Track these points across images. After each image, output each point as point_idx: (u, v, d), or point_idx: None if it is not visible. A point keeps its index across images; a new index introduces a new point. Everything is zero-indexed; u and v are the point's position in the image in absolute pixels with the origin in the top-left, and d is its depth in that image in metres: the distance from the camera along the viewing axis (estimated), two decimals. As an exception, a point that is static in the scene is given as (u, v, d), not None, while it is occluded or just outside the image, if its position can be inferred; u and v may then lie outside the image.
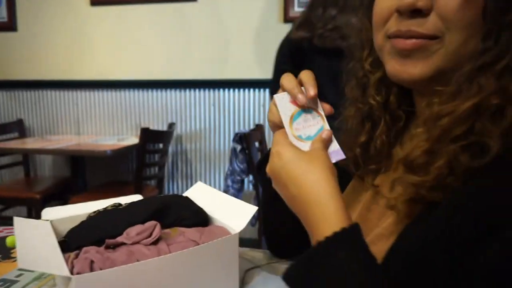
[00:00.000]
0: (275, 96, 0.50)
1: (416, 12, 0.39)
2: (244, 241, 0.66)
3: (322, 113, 0.48)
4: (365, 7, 0.48)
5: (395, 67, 0.43)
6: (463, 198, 0.34)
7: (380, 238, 0.43)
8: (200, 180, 2.59)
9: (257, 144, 1.99)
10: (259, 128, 2.12)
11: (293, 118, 0.47)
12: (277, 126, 0.50)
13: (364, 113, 0.51)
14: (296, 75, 0.51)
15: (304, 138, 0.47)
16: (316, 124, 0.47)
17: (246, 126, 2.49)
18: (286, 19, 2.35)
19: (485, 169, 0.34)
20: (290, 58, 1.39)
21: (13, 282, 0.71)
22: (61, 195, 2.36)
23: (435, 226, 0.35)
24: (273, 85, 1.58)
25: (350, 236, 0.38)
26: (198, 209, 0.69)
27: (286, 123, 0.48)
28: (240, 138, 1.94)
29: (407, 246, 0.38)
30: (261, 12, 2.41)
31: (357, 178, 0.56)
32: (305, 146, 0.47)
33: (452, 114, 0.36)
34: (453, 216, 0.34)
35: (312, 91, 0.47)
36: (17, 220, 0.62)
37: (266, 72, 2.40)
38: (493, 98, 0.35)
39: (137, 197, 0.81)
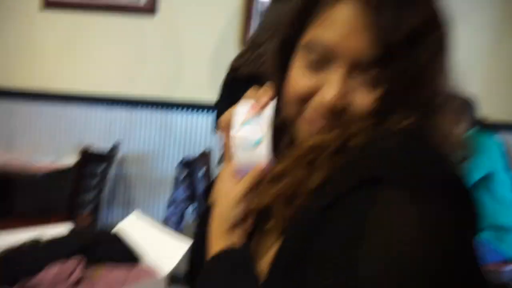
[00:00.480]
0: (239, 104, 0.55)
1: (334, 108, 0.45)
2: (176, 278, 0.63)
3: (267, 124, 0.52)
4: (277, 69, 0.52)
5: (302, 130, 0.49)
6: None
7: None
8: (141, 207, 2.48)
9: (203, 171, 1.96)
10: (206, 154, 2.10)
11: (241, 125, 0.52)
12: (226, 129, 0.54)
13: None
14: (230, 101, 0.55)
15: (245, 144, 0.52)
16: (258, 133, 0.51)
17: (194, 152, 2.45)
18: (245, 42, 2.40)
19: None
20: (227, 85, 1.54)
21: None
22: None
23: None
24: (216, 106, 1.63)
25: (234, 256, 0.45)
26: (127, 248, 0.65)
27: (234, 128, 0.53)
28: (186, 164, 1.91)
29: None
30: (220, 33, 2.44)
31: None
32: (244, 152, 0.52)
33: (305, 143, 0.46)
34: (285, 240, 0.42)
35: (265, 98, 0.52)
36: None
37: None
38: (332, 143, 0.44)
39: (66, 228, 0.76)
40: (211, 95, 2.43)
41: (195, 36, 2.44)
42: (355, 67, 0.43)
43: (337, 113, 0.44)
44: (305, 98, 0.46)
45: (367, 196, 0.37)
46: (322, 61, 0.44)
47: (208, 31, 2.43)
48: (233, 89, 1.49)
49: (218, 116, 1.57)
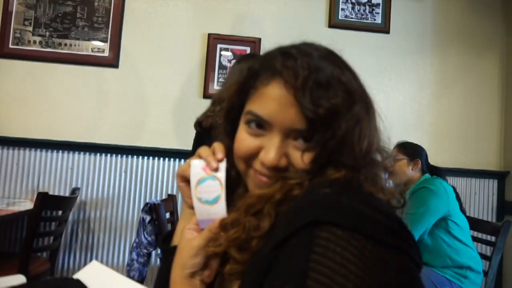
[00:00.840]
0: (192, 160, 0.57)
1: (279, 167, 0.52)
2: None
3: (223, 182, 0.55)
4: (226, 130, 0.61)
5: (250, 186, 0.56)
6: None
7: None
8: (103, 252, 2.36)
9: (168, 215, 1.92)
10: (171, 198, 2.07)
11: (199, 182, 0.54)
12: (185, 181, 0.59)
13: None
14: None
15: (203, 201, 0.54)
16: (215, 191, 0.54)
17: (158, 196, 2.41)
18: (205, 95, 2.47)
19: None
20: (195, 138, 1.68)
21: None
22: None
23: None
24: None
25: None
26: (89, 295, 0.62)
27: (192, 184, 0.55)
28: (150, 208, 1.86)
29: None
30: (182, 86, 2.50)
31: None
32: (203, 208, 0.54)
33: (252, 196, 0.53)
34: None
35: (219, 155, 0.57)
36: None
37: (182, 143, 2.42)
38: (276, 193, 0.51)
39: (19, 279, 0.71)
40: (174, 142, 2.45)
41: (157, 87, 2.50)
42: (288, 134, 0.51)
43: (278, 170, 0.51)
44: (250, 157, 0.54)
45: (310, 236, 0.40)
46: (261, 128, 0.53)
47: (170, 84, 2.49)
48: (200, 141, 1.64)
49: None
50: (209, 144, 0.61)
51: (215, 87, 2.48)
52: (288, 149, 0.52)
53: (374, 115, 0.55)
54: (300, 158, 0.51)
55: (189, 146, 2.31)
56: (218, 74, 2.50)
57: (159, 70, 2.49)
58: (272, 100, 0.51)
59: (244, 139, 0.54)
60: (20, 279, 0.72)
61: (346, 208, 0.43)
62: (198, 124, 1.64)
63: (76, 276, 0.72)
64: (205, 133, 1.62)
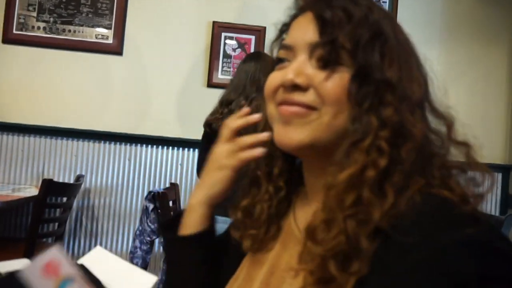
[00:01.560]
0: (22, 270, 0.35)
1: (296, 87, 0.46)
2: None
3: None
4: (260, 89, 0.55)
5: (279, 132, 0.48)
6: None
7: None
8: (107, 239, 2.39)
9: (171, 203, 1.93)
10: (174, 186, 2.08)
11: None
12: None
13: (252, 179, 0.56)
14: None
15: None
16: None
17: (161, 184, 2.42)
18: (209, 84, 2.46)
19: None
20: (204, 138, 1.71)
21: None
22: None
23: None
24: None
25: None
26: (95, 279, 0.63)
27: None
28: (154, 196, 1.88)
29: None
30: (186, 74, 2.49)
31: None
32: None
33: (336, 185, 0.41)
34: None
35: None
36: None
37: (186, 132, 2.43)
38: (369, 171, 0.40)
39: (24, 262, 0.72)
40: (178, 130, 2.45)
41: (162, 76, 2.48)
42: (311, 54, 0.46)
43: (298, 88, 0.46)
44: (276, 89, 0.49)
45: None
46: (287, 57, 0.49)
47: (174, 72, 2.48)
48: (209, 142, 1.62)
49: (199, 166, 1.75)
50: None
51: (219, 76, 2.47)
52: (310, 70, 0.46)
53: (414, 52, 0.49)
54: (324, 80, 0.45)
55: (192, 135, 2.35)
56: (223, 63, 2.48)
57: (163, 58, 2.48)
58: (294, 28, 0.50)
59: (272, 77, 0.50)
60: (25, 263, 0.73)
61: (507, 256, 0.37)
62: (208, 125, 1.64)
63: (80, 261, 0.73)
64: (214, 135, 1.60)
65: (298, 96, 0.46)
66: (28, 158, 2.41)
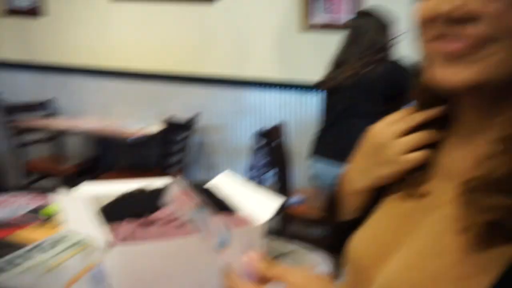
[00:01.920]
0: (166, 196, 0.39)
1: (462, 18, 0.37)
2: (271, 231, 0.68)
3: None
4: None
5: (440, 73, 0.40)
6: None
7: (427, 256, 0.40)
8: (221, 170, 2.62)
9: (278, 140, 2.01)
10: (280, 126, 2.14)
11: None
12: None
13: None
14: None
15: (221, 246, 0.37)
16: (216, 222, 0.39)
17: (268, 124, 2.51)
18: (307, 26, 2.35)
19: None
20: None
21: (55, 244, 0.76)
22: (89, 171, 2.45)
23: None
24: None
25: None
26: (224, 199, 0.71)
27: None
28: (262, 134, 1.97)
29: None
30: (281, 17, 2.43)
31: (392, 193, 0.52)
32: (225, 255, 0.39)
33: None
34: None
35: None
36: (59, 191, 0.67)
37: (286, 73, 2.44)
38: None
39: (164, 181, 0.84)
40: (277, 74, 2.47)
41: (256, 21, 2.47)
42: None
43: (464, 18, 0.36)
44: (431, 21, 0.40)
45: None
46: None
47: (268, 16, 2.43)
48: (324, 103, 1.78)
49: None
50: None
51: (318, 18, 2.33)
52: None
53: None
54: (501, 6, 0.35)
55: (292, 77, 2.37)
56: (324, 2, 2.32)
57: (256, 4, 2.46)
58: None
59: (422, 7, 0.41)
60: (165, 181, 0.85)
61: None
62: (319, 86, 1.71)
63: (211, 183, 0.82)
64: (327, 92, 1.73)
65: (465, 29, 0.36)
66: (151, 101, 2.71)
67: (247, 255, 0.37)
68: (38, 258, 0.71)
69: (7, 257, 0.71)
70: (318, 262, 0.73)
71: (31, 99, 2.85)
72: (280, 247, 0.79)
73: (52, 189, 0.71)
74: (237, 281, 0.35)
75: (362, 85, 1.62)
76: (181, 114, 2.66)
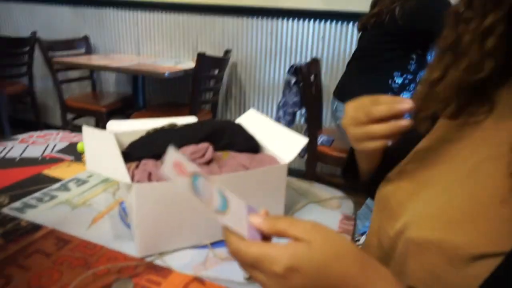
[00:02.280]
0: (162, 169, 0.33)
1: None
2: (291, 171, 0.67)
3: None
4: None
5: None
6: None
7: (470, 193, 0.39)
8: (253, 107, 2.62)
9: (312, 77, 1.93)
10: (315, 61, 2.04)
11: (194, 188, 0.34)
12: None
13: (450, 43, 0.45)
14: None
15: (221, 210, 0.35)
16: (212, 188, 0.35)
17: (303, 59, 2.41)
18: None
19: None
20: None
21: (84, 181, 0.80)
22: (124, 110, 2.53)
23: None
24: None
25: None
26: (250, 136, 0.70)
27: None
28: (296, 70, 1.89)
29: None
30: None
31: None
32: (226, 219, 0.35)
33: None
34: None
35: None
36: (85, 129, 0.68)
37: (328, 2, 2.25)
38: None
39: (192, 119, 0.84)
40: (315, 3, 2.28)
41: None
42: None
43: None
44: None
45: None
46: None
47: None
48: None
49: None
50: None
51: None
52: None
53: None
54: None
55: (335, 6, 2.19)
56: None
57: None
58: None
59: None
60: (193, 119, 0.85)
61: None
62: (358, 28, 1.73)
63: (238, 120, 0.81)
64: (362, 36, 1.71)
65: None
66: (184, 34, 2.66)
67: (249, 216, 0.36)
68: (67, 195, 0.75)
69: (37, 194, 0.75)
70: (340, 204, 0.72)
71: (67, 37, 2.88)
72: (302, 189, 0.79)
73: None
74: (233, 240, 0.34)
75: (386, 25, 1.53)
76: (214, 50, 2.60)
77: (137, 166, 0.58)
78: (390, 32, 1.53)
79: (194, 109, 2.12)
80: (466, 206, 0.37)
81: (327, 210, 0.69)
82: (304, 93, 1.83)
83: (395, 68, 1.54)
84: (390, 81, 1.55)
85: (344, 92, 1.71)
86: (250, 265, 0.33)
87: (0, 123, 2.72)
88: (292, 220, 0.34)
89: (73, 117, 2.70)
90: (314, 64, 2.01)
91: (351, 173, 0.60)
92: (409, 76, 1.54)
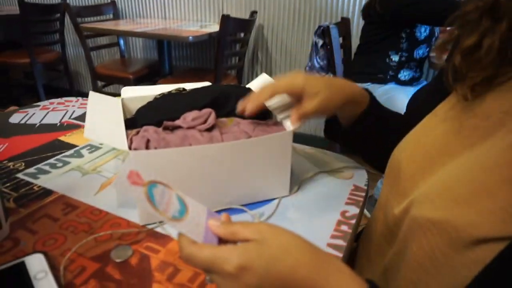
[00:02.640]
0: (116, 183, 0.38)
1: None
2: (315, 140, 0.64)
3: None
4: None
5: None
6: None
7: (481, 172, 0.35)
8: (279, 73, 2.54)
9: (341, 40, 1.83)
10: (344, 22, 1.92)
11: (149, 197, 0.35)
12: None
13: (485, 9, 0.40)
14: None
15: (178, 216, 0.36)
16: (171, 195, 0.37)
17: (332, 19, 2.28)
18: None
19: None
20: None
21: (97, 148, 0.80)
22: (150, 77, 2.54)
23: None
24: None
25: None
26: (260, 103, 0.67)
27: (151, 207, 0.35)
28: (323, 32, 1.79)
29: None
30: None
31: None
32: (182, 225, 0.36)
33: None
34: None
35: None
36: (91, 95, 0.67)
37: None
38: None
39: (205, 84, 0.82)
40: None
41: None
42: None
43: None
44: None
45: None
46: None
47: None
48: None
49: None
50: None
51: None
52: None
53: None
54: None
55: None
56: None
57: None
58: None
59: None
60: (205, 84, 0.83)
61: None
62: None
63: (248, 85, 0.78)
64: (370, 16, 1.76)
65: None
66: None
67: (207, 222, 0.37)
68: (79, 161, 0.76)
69: (51, 160, 0.76)
70: (353, 174, 0.69)
71: (95, 2, 2.89)
72: (318, 156, 0.75)
73: (115, 95, 0.73)
74: (185, 245, 0.34)
75: (372, 15, 1.71)
76: (240, 12, 2.52)
77: (137, 133, 0.57)
78: (375, 21, 1.71)
79: (219, 75, 2.09)
80: (475, 185, 0.33)
81: (338, 180, 0.66)
82: (331, 57, 1.74)
83: (389, 48, 1.71)
84: (387, 59, 1.72)
85: (354, 73, 1.82)
86: (204, 268, 0.34)
87: (35, 91, 2.82)
88: (247, 222, 0.35)
89: (103, 85, 2.75)
90: (343, 24, 1.90)
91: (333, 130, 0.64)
92: (405, 54, 1.70)
